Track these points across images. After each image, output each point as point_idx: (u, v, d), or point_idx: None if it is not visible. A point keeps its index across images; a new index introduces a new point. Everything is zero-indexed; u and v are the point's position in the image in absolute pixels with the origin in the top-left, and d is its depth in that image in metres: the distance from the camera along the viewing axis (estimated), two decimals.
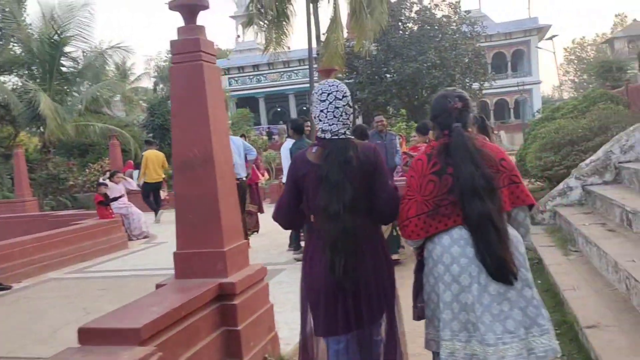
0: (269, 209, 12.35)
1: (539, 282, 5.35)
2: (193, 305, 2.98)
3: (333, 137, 2.59)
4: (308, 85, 20.85)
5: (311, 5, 19.13)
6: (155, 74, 43.29)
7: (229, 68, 42.79)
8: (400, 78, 24.34)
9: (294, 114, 41.06)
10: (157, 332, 2.65)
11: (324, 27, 20.04)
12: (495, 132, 26.09)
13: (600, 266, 4.87)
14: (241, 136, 12.00)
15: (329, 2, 19.70)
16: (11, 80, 22.24)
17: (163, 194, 13.71)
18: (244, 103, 40.45)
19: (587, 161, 7.51)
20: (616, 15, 68.77)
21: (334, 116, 2.59)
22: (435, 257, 2.45)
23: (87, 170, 19.56)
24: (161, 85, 37.61)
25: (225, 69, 42.00)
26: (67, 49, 20.23)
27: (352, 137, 2.68)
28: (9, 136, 22.30)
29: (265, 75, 42.99)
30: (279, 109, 46.55)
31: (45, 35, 19.33)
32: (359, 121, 27.94)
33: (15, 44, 21.04)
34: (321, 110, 2.61)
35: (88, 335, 2.60)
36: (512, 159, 12.30)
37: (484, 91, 28.58)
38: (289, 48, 22.10)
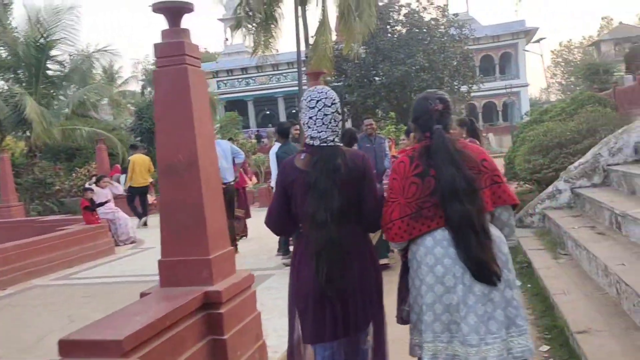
0: (258, 213, 12.33)
1: (529, 285, 5.33)
2: (178, 315, 2.90)
3: (322, 144, 2.58)
4: (297, 88, 20.83)
5: (299, 8, 19.10)
6: (143, 77, 43.01)
7: (218, 71, 42.64)
8: (389, 81, 24.39)
9: (283, 117, 40.98)
10: (141, 343, 2.58)
11: (312, 30, 20.03)
12: (484, 134, 26.17)
13: (590, 270, 4.85)
14: (229, 140, 11.94)
15: (317, 5, 19.70)
16: None
17: (151, 198, 13.62)
18: (233, 106, 40.32)
19: (576, 164, 7.51)
20: (602, 18, 69.40)
21: (323, 123, 2.58)
22: (419, 259, 2.45)
23: (73, 174, 19.37)
24: (149, 89, 37.36)
25: (214, 72, 41.87)
26: (53, 52, 20.10)
27: (341, 144, 2.68)
28: None
29: (254, 78, 42.88)
30: (267, 112, 46.45)
31: (31, 38, 19.17)
32: (348, 124, 27.96)
33: (0, 48, 20.81)
34: (310, 117, 2.60)
35: (69, 348, 2.52)
36: (501, 161, 12.38)
37: (472, 94, 28.73)
38: (277, 51, 22.05)
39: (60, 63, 21.05)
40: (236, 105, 41.04)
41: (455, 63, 25.59)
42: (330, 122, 2.60)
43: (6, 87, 20.83)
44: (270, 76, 42.35)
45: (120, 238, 10.77)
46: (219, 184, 3.66)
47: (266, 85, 42.81)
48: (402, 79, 23.93)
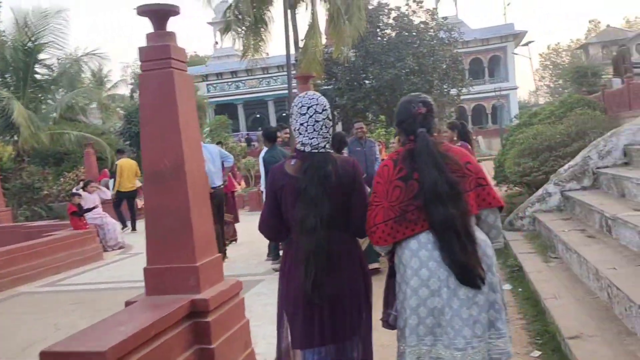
0: (248, 217, 12.27)
1: (520, 289, 5.31)
2: (164, 324, 2.84)
3: (313, 151, 2.58)
4: (287, 91, 20.76)
5: (289, 11, 19.06)
6: (132, 81, 42.82)
7: (207, 75, 42.50)
8: (379, 84, 24.39)
9: (273, 121, 40.93)
10: (125, 354, 2.51)
11: (302, 33, 19.99)
12: (474, 137, 26.23)
13: (580, 273, 4.83)
14: (218, 143, 11.87)
15: (306, 8, 19.68)
16: None
17: (140, 202, 13.51)
18: (223, 110, 40.20)
19: (566, 167, 7.52)
20: (590, 21, 70.01)
21: (314, 129, 2.59)
22: (404, 262, 2.45)
23: (62, 179, 19.19)
24: (138, 93, 37.13)
25: (203, 76, 41.73)
26: (41, 56, 19.87)
27: (332, 150, 2.68)
28: None
29: (243, 81, 42.76)
30: (258, 116, 46.34)
31: (19, 42, 18.96)
32: (339, 128, 27.93)
33: None
34: (301, 124, 2.60)
35: None
36: (491, 164, 12.35)
37: (461, 97, 28.78)
38: (267, 54, 22.01)
39: (48, 67, 20.84)
40: (226, 109, 40.92)
41: (445, 66, 25.65)
42: (321, 129, 2.59)
43: None
44: (260, 79, 42.25)
45: (108, 243, 10.66)
46: (206, 189, 3.60)
47: (256, 89, 42.71)
48: (392, 82, 23.95)
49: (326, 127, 2.62)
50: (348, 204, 2.59)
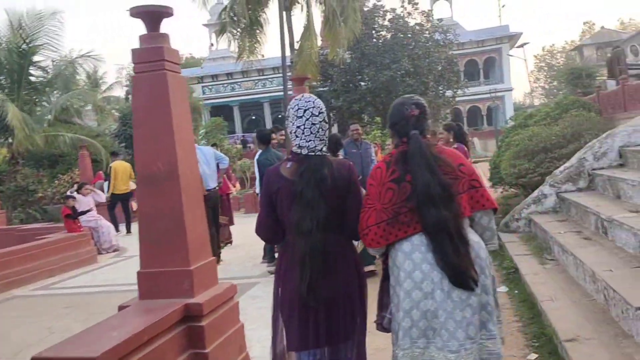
0: (244, 219, 12.24)
1: (516, 291, 5.29)
2: (157, 329, 2.81)
3: (309, 154, 2.58)
4: (282, 93, 20.73)
5: (284, 13, 19.04)
6: (127, 82, 42.67)
7: (203, 76, 42.43)
8: (375, 86, 24.39)
9: (269, 122, 40.86)
10: (118, 359, 2.48)
11: (297, 35, 19.98)
12: (469, 138, 26.28)
13: (577, 275, 4.82)
14: (212, 145, 11.84)
15: (302, 10, 19.65)
16: None
17: (135, 204, 13.45)
18: (218, 111, 40.13)
19: (561, 168, 7.51)
20: (584, 23, 70.19)
21: (311, 132, 2.58)
22: (398, 265, 2.44)
23: (56, 181, 19.11)
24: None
25: (199, 78, 41.66)
26: (36, 58, 19.78)
27: (328, 153, 2.68)
28: None
29: (239, 83, 42.70)
30: (253, 117, 46.28)
31: (13, 44, 18.86)
32: (335, 129, 27.90)
33: None
34: (298, 127, 2.59)
35: None
36: (486, 165, 12.32)
37: (457, 98, 28.80)
38: (262, 56, 21.96)
39: (43, 69, 20.77)
40: (222, 111, 40.85)
41: (440, 68, 25.68)
42: (318, 131, 2.59)
43: None
44: (256, 81, 42.20)
45: (102, 246, 10.61)
46: (199, 192, 3.57)
47: (252, 91, 42.65)
48: (388, 84, 23.95)
49: (323, 129, 2.62)
50: (343, 207, 2.59)
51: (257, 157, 7.33)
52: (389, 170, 2.47)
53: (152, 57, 3.23)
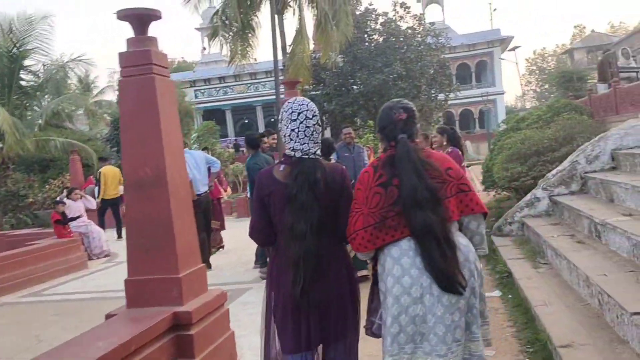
0: (236, 223, 12.17)
1: (510, 296, 5.25)
2: (144, 338, 2.75)
3: (303, 157, 2.58)
4: (275, 97, 20.68)
5: (276, 17, 18.98)
6: (119, 86, 42.49)
7: (195, 80, 42.32)
8: (367, 89, 24.38)
9: (261, 126, 40.76)
10: None
11: (290, 39, 19.93)
12: (463, 142, 26.28)
13: (570, 280, 4.78)
14: (204, 149, 11.78)
15: (294, 14, 19.60)
16: None
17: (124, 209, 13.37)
18: (211, 115, 40.00)
19: (554, 171, 7.50)
20: (575, 27, 70.60)
21: (305, 135, 2.58)
22: (387, 270, 2.43)
23: (47, 186, 18.95)
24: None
25: (191, 81, 41.55)
26: (26, 62, 19.68)
27: (320, 156, 2.69)
28: None
29: (231, 87, 42.59)
30: (246, 121, 46.19)
31: (4, 48, 18.74)
32: (327, 133, 27.88)
33: None
34: (292, 130, 2.59)
35: None
36: (479, 168, 12.28)
37: (449, 102, 28.83)
38: (255, 60, 21.89)
39: (34, 73, 20.66)
40: (214, 115, 40.73)
41: (432, 71, 25.69)
42: (312, 134, 2.60)
43: None
44: (249, 85, 42.11)
45: (93, 252, 10.50)
46: (188, 197, 3.51)
47: (244, 94, 42.54)
48: (380, 88, 23.95)
49: (317, 132, 2.63)
50: (336, 210, 2.58)
51: (246, 162, 7.29)
52: (376, 174, 2.47)
53: (140, 61, 3.17)
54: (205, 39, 39.99)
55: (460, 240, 2.44)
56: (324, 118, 26.14)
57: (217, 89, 43.04)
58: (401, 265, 2.37)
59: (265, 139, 7.59)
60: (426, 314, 2.33)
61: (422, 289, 2.33)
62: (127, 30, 3.23)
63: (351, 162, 7.64)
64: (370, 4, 26.39)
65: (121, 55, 3.20)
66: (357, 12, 25.41)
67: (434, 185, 2.38)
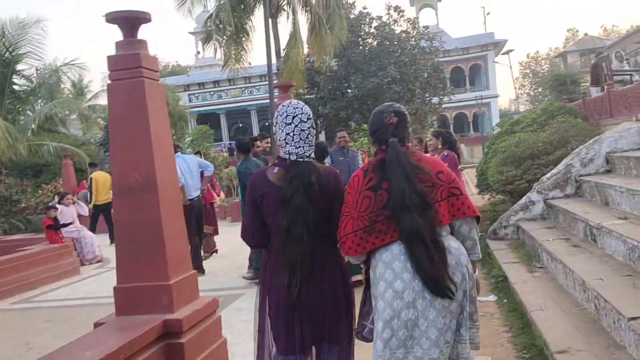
0: (230, 227, 12.08)
1: (505, 300, 5.21)
2: (133, 347, 2.69)
3: (297, 160, 2.58)
4: (269, 101, 20.64)
5: (270, 20, 18.96)
6: None
7: (189, 84, 42.23)
8: (361, 93, 24.38)
9: (256, 130, 40.70)
10: None
11: (284, 43, 19.90)
12: (459, 145, 26.23)
13: (566, 284, 4.75)
14: (196, 153, 11.72)
15: (288, 17, 19.59)
16: None
17: None
18: (205, 119, 39.89)
19: (549, 175, 7.48)
20: (568, 30, 70.90)
21: (301, 139, 2.59)
22: (378, 275, 2.42)
23: (40, 191, 18.82)
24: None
25: (186, 85, 41.46)
26: (19, 66, 19.61)
27: (314, 159, 2.69)
28: None
29: (226, 91, 42.52)
30: (240, 125, 46.10)
31: None
32: (322, 136, 27.83)
33: None
34: (287, 134, 2.59)
35: None
36: (473, 171, 12.27)
37: (443, 105, 28.85)
38: (250, 64, 21.84)
39: (27, 77, 20.57)
40: (208, 119, 40.64)
41: (426, 75, 25.71)
42: (307, 137, 2.60)
43: None
44: (243, 89, 42.05)
45: (86, 257, 10.41)
46: (179, 203, 3.45)
47: (239, 98, 42.47)
48: (374, 91, 23.95)
49: (311, 135, 2.63)
50: (330, 213, 2.57)
51: (237, 166, 7.23)
52: (366, 178, 2.47)
53: (129, 64, 3.12)
54: (199, 43, 39.95)
55: (452, 243, 2.42)
56: (318, 122, 26.12)
57: (212, 93, 42.96)
58: (393, 269, 2.36)
59: (258, 142, 7.53)
60: (418, 318, 2.33)
61: (414, 293, 2.32)
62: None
63: (345, 166, 7.60)
64: (364, 8, 26.43)
65: (110, 58, 3.15)
66: (351, 16, 25.41)
67: (423, 189, 2.38)
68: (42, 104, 21.29)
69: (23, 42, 18.73)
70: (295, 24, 19.15)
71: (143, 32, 3.30)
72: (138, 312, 3.04)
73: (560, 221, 6.70)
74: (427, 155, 2.82)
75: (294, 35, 19.13)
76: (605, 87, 12.17)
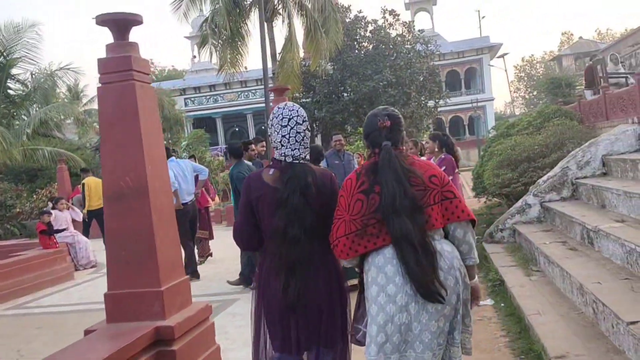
0: (225, 232, 11.99)
1: (502, 305, 5.17)
2: (124, 355, 2.63)
3: (293, 161, 2.58)
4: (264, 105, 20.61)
5: (265, 24, 18.93)
6: None
7: (185, 88, 42.18)
8: (357, 97, 24.39)
9: (252, 134, 40.63)
10: None
11: (279, 47, 19.87)
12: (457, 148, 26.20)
13: (564, 288, 4.71)
14: (190, 157, 11.67)
15: (283, 21, 19.58)
16: None
17: None
18: (201, 123, 39.85)
19: (545, 177, 7.45)
20: (563, 34, 71.10)
21: (296, 141, 2.59)
22: (371, 279, 2.42)
23: (35, 196, 18.72)
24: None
25: (181, 90, 41.41)
26: (14, 71, 19.57)
27: (309, 161, 2.69)
28: None
29: (222, 95, 42.48)
30: (236, 129, 46.04)
31: None
32: (318, 140, 27.80)
33: None
34: (283, 136, 2.58)
35: None
36: (469, 175, 12.22)
37: (439, 108, 28.89)
38: (246, 68, 21.80)
39: (21, 82, 20.52)
40: (204, 123, 40.58)
41: (422, 78, 25.74)
42: (302, 140, 2.61)
43: None
44: (239, 93, 42.02)
45: (80, 262, 10.32)
46: (171, 208, 3.40)
47: (235, 102, 42.42)
48: (370, 95, 23.96)
49: (307, 137, 2.64)
50: (326, 215, 2.55)
51: (230, 170, 7.16)
52: (359, 181, 2.46)
53: (119, 67, 3.07)
54: (195, 47, 39.89)
55: (445, 247, 2.41)
56: (314, 125, 26.10)
57: (208, 97, 42.90)
58: (385, 273, 2.35)
59: (253, 146, 7.49)
60: (411, 321, 2.31)
61: (407, 296, 2.31)
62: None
63: (341, 169, 7.56)
64: (360, 12, 26.44)
65: (100, 61, 3.10)
66: (347, 20, 25.45)
67: (414, 193, 2.36)
68: (37, 108, 21.20)
69: (18, 47, 18.73)
70: (290, 27, 19.15)
71: (137, 35, 3.25)
72: (129, 319, 2.99)
73: (557, 224, 6.67)
74: (422, 158, 2.79)
75: (290, 39, 19.13)
76: (600, 89, 12.14)
